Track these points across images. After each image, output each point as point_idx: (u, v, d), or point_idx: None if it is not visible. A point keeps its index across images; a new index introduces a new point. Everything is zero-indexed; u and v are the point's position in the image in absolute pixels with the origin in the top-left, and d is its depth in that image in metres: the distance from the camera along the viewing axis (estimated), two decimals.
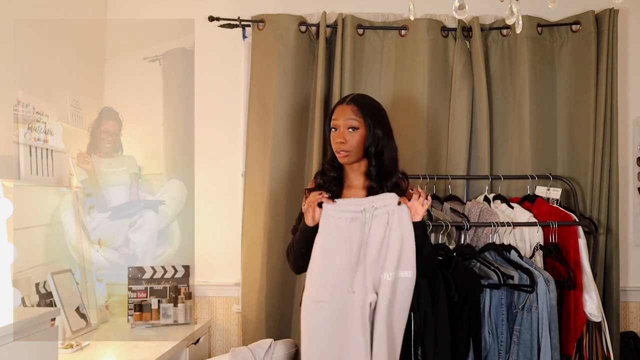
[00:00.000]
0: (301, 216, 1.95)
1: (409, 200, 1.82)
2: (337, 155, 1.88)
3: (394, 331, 1.79)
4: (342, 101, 1.93)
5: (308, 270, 1.83)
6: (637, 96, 2.80)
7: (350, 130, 1.85)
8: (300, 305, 1.84)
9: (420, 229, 1.82)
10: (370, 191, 1.88)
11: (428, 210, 2.44)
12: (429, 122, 2.68)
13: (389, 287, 1.75)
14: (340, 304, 1.77)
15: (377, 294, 1.76)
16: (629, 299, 2.76)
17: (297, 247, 1.91)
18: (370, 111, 1.88)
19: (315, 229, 1.83)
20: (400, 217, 1.79)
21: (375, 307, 1.77)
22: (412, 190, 1.83)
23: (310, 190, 1.94)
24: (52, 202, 2.43)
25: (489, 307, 2.18)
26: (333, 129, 1.89)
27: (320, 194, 1.82)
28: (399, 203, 1.80)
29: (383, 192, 1.86)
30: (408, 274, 1.77)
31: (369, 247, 1.78)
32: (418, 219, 1.80)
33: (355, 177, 1.93)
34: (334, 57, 2.65)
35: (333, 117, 1.90)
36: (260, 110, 2.68)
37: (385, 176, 1.87)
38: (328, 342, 1.77)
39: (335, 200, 1.83)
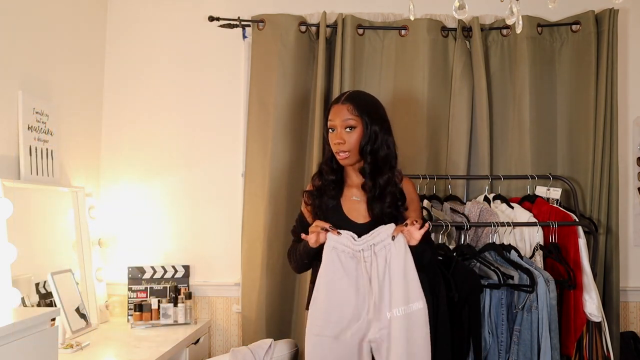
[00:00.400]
0: (301, 218, 1.94)
1: (406, 225, 1.76)
2: (337, 157, 1.86)
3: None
4: (337, 100, 1.90)
5: (312, 302, 1.79)
6: (637, 96, 2.80)
7: (348, 130, 1.82)
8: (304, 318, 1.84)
9: (417, 247, 1.77)
10: (364, 189, 1.86)
11: (428, 210, 2.44)
12: (429, 122, 2.69)
13: (401, 322, 1.72)
14: (344, 341, 1.75)
15: (385, 331, 1.73)
16: (629, 299, 2.76)
17: (299, 258, 1.88)
18: (367, 108, 1.85)
19: (318, 248, 1.79)
20: (397, 249, 1.74)
21: (386, 346, 1.74)
22: (409, 222, 1.76)
23: (309, 192, 1.92)
24: (52, 202, 2.43)
25: (489, 307, 2.18)
26: (330, 130, 1.87)
27: (325, 227, 1.77)
28: (393, 238, 1.74)
29: (376, 188, 1.83)
30: (419, 305, 1.74)
31: (371, 285, 1.74)
32: (414, 243, 1.75)
33: (357, 175, 1.91)
34: (334, 57, 2.65)
35: (329, 117, 1.87)
36: (260, 110, 2.68)
37: (379, 173, 1.84)
38: None
39: (340, 232, 1.77)
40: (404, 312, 1.72)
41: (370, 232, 1.77)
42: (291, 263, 1.97)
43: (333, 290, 1.75)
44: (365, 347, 1.76)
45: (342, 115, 1.83)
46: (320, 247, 1.78)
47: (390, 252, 1.75)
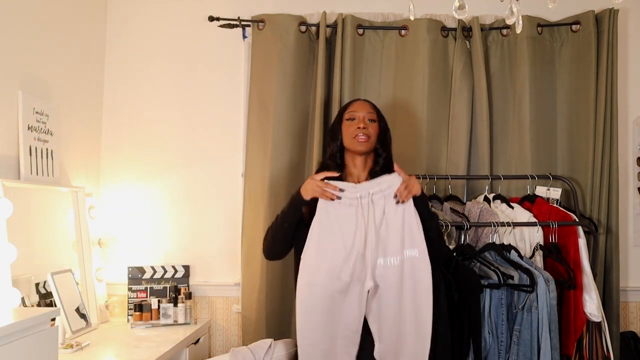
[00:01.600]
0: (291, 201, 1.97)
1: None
2: (355, 141, 1.92)
3: (417, 312, 1.80)
4: (357, 99, 2.08)
5: (303, 253, 1.84)
6: (637, 96, 2.80)
7: (370, 121, 1.95)
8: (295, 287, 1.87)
9: (420, 203, 1.86)
10: (374, 176, 1.93)
11: None
12: (429, 122, 2.68)
13: (395, 271, 1.78)
14: (334, 289, 1.79)
15: (377, 281, 1.78)
16: (629, 299, 2.76)
17: (281, 220, 1.92)
18: (382, 114, 2.02)
19: (307, 203, 1.86)
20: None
21: (377, 293, 1.79)
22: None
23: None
24: (52, 202, 2.43)
25: (489, 307, 2.18)
26: (349, 120, 1.96)
27: (333, 187, 1.84)
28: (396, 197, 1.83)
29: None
30: (415, 253, 1.79)
31: (368, 234, 1.79)
32: (416, 192, 1.84)
33: (358, 173, 1.97)
34: (334, 57, 2.65)
35: (350, 109, 1.99)
36: (260, 110, 2.68)
37: (389, 169, 1.93)
38: (322, 325, 1.80)
39: (340, 192, 1.84)
40: (400, 260, 1.78)
41: (372, 181, 1.85)
42: (265, 241, 1.98)
43: (326, 240, 1.81)
44: (358, 296, 1.79)
45: (366, 108, 1.98)
46: (306, 205, 1.86)
47: (388, 201, 1.81)
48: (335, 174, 1.88)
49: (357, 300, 1.79)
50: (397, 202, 1.81)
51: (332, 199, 1.82)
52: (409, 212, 1.81)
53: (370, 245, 1.78)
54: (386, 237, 1.79)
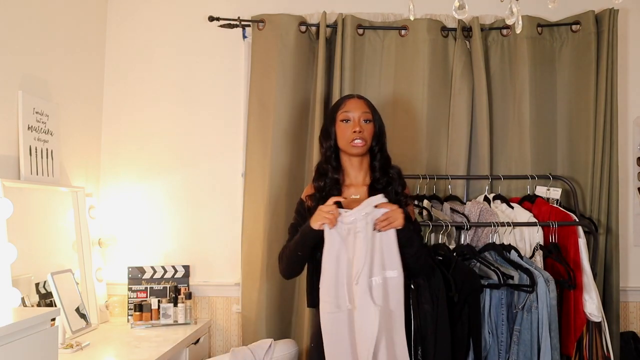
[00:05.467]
0: (296, 222, 1.94)
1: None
2: (350, 146, 1.88)
3: (394, 330, 1.78)
4: (350, 96, 1.97)
5: (322, 280, 1.79)
6: (637, 96, 2.80)
7: (365, 122, 1.89)
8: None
9: (405, 234, 1.80)
10: (374, 183, 1.90)
11: (428, 210, 2.44)
12: (429, 122, 2.68)
13: (380, 290, 1.76)
14: (344, 316, 1.77)
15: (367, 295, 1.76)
16: (629, 299, 2.76)
17: (294, 248, 1.87)
18: (376, 109, 1.96)
19: (317, 233, 1.79)
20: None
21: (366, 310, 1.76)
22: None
23: (311, 196, 1.92)
24: (52, 202, 2.43)
25: (489, 307, 2.18)
26: (344, 121, 1.90)
27: (334, 207, 1.79)
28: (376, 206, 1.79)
29: (388, 181, 1.89)
30: (394, 274, 1.78)
31: (364, 254, 1.76)
32: (398, 226, 1.78)
33: (356, 174, 1.94)
34: (334, 57, 2.65)
35: (344, 109, 1.91)
36: (260, 110, 2.68)
37: (389, 166, 1.92)
38: (341, 350, 1.78)
39: (340, 212, 1.79)
40: (382, 279, 1.77)
41: (362, 204, 1.79)
42: (281, 264, 1.95)
43: (338, 266, 1.78)
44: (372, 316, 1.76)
45: (361, 107, 1.91)
46: (317, 235, 1.80)
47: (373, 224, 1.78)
48: (341, 199, 1.84)
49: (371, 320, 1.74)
50: (375, 230, 1.78)
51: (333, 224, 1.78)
52: (389, 235, 1.79)
53: (366, 266, 1.75)
54: (372, 258, 1.77)
